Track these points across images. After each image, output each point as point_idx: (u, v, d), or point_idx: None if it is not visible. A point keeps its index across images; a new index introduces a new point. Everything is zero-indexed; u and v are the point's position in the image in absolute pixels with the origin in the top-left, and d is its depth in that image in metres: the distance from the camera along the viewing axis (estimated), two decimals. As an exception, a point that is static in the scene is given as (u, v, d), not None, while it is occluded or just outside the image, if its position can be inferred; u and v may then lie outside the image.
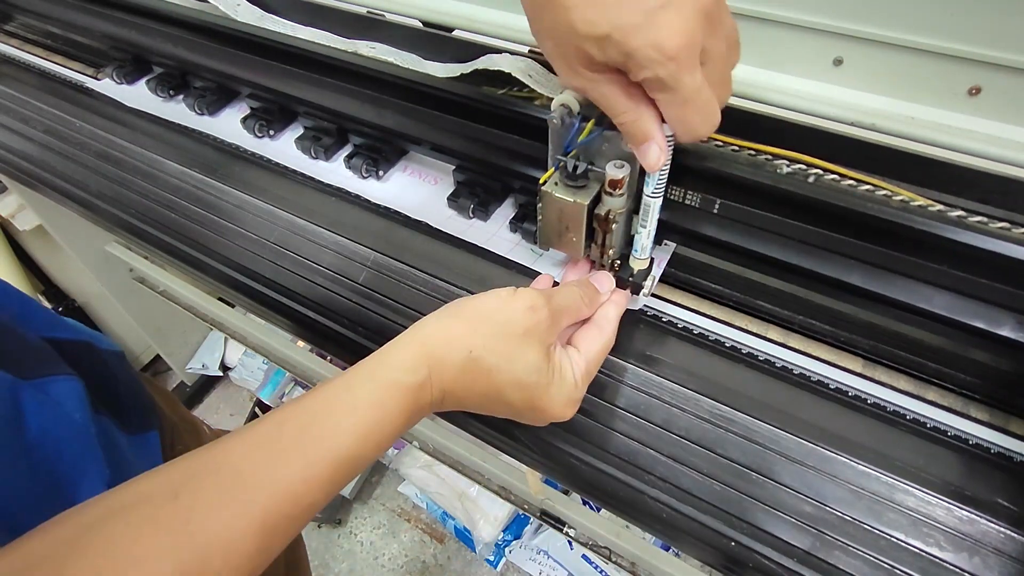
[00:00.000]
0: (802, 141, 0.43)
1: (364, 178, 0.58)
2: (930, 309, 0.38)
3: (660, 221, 0.43)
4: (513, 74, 0.50)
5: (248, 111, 0.65)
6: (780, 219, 0.41)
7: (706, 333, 0.44)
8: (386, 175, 0.59)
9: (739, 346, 0.43)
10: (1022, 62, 0.39)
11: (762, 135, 0.44)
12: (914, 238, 0.36)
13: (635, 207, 0.41)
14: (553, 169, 0.42)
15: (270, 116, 0.64)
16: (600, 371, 0.42)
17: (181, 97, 0.69)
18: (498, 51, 0.54)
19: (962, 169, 0.42)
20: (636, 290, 0.44)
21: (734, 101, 0.49)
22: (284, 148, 0.63)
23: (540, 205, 0.42)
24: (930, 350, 0.41)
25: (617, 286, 0.44)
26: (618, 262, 0.44)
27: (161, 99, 0.70)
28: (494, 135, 0.50)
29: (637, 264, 0.43)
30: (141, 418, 0.41)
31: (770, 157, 0.43)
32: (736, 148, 0.44)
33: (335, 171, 0.60)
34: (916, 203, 0.38)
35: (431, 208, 0.55)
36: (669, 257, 0.48)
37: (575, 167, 0.40)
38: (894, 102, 0.45)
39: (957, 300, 0.38)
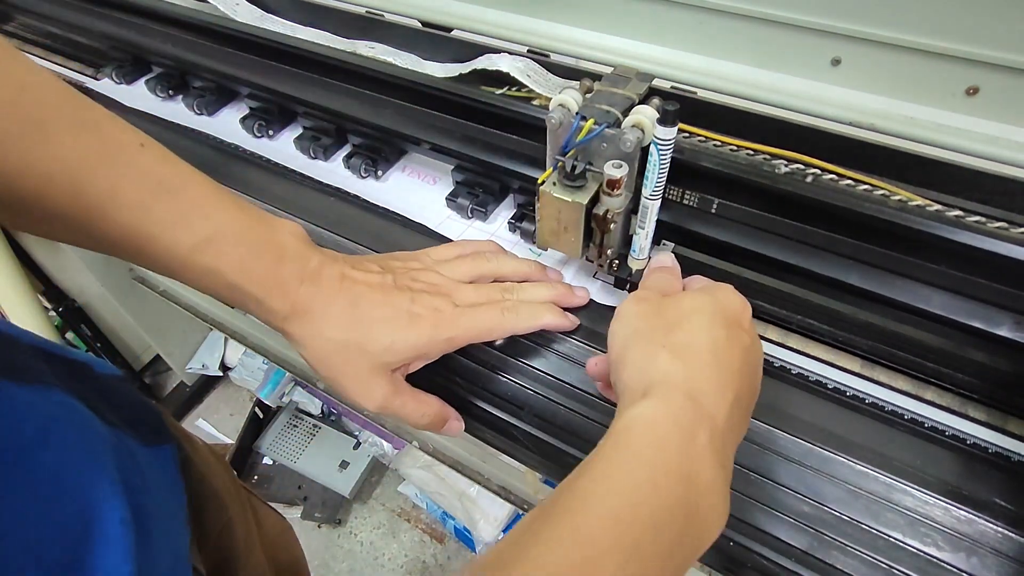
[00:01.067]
0: (800, 141, 0.43)
1: (363, 178, 0.59)
2: (928, 309, 0.38)
3: (658, 221, 0.43)
4: (512, 74, 0.51)
5: (247, 111, 0.65)
6: (778, 219, 0.41)
7: (704, 333, 0.44)
8: (385, 175, 0.59)
9: (737, 346, 0.43)
10: (1020, 62, 0.39)
11: (760, 135, 0.44)
12: (912, 238, 0.36)
13: (634, 207, 0.41)
14: (551, 169, 0.42)
15: (269, 116, 0.64)
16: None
17: (180, 97, 0.69)
18: (496, 51, 0.55)
19: (960, 169, 0.42)
20: (633, 290, 0.44)
21: (733, 101, 0.50)
22: (283, 148, 0.63)
23: (538, 205, 0.42)
24: (928, 350, 0.41)
25: (615, 286, 0.45)
26: (616, 262, 0.44)
27: (160, 99, 0.70)
28: (493, 135, 0.50)
29: (635, 264, 0.43)
30: (153, 432, 0.40)
31: (768, 157, 0.43)
32: (734, 148, 0.44)
33: (334, 171, 0.60)
34: (914, 203, 0.38)
35: (430, 208, 0.55)
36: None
37: (573, 167, 0.40)
38: (892, 102, 0.45)
39: (955, 300, 0.38)
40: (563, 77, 0.54)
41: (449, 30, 0.63)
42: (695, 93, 0.51)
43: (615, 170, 0.38)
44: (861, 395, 0.40)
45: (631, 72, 0.43)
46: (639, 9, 0.51)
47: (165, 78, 0.70)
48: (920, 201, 0.38)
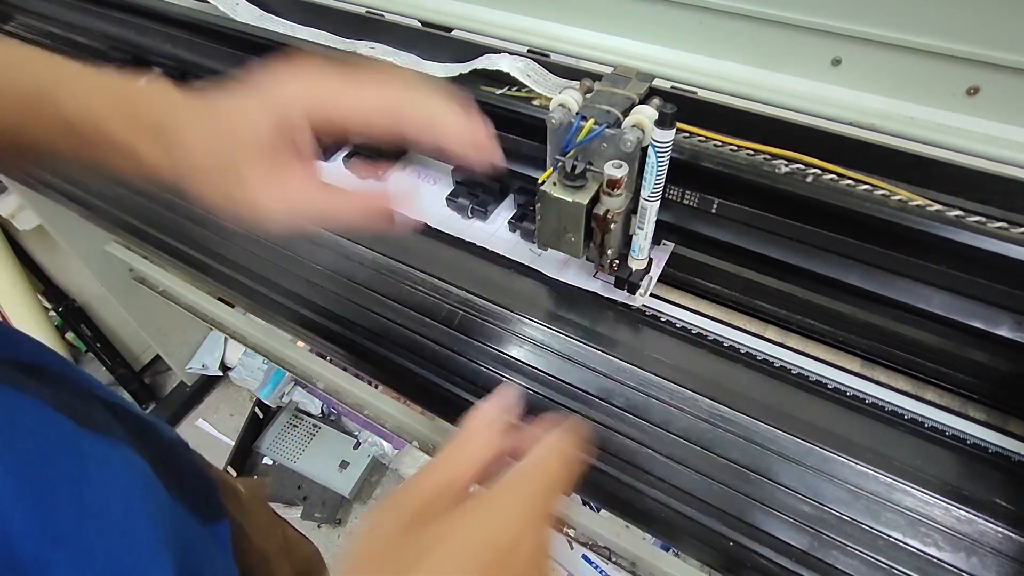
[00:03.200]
0: (800, 141, 0.43)
1: (363, 178, 0.59)
2: (928, 309, 0.38)
3: (659, 221, 0.43)
4: (512, 74, 0.51)
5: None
6: (778, 219, 0.41)
7: (704, 333, 0.44)
8: (385, 175, 0.59)
9: (737, 346, 0.43)
10: (1020, 62, 0.39)
11: (760, 135, 0.44)
12: (912, 238, 0.36)
13: (633, 207, 0.41)
14: (552, 169, 0.42)
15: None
16: (600, 372, 0.42)
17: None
18: (496, 51, 0.54)
19: (960, 169, 0.42)
20: (633, 289, 0.44)
21: (733, 101, 0.49)
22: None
23: (539, 205, 0.42)
24: (928, 350, 0.41)
25: (615, 286, 0.44)
26: (616, 262, 0.44)
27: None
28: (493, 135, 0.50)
29: (635, 264, 0.43)
30: (209, 507, 0.37)
31: (768, 157, 0.43)
32: (735, 148, 0.44)
33: (334, 171, 0.60)
34: (914, 203, 0.38)
35: (430, 207, 0.55)
36: (668, 257, 0.48)
37: (573, 167, 0.40)
38: (892, 102, 0.45)
39: (955, 300, 0.38)
40: (563, 77, 0.54)
41: (449, 30, 0.63)
42: (695, 93, 0.51)
43: (615, 170, 0.38)
44: (861, 395, 0.40)
45: (631, 72, 0.43)
46: (639, 9, 0.51)
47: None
48: (920, 201, 0.38)
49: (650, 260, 0.44)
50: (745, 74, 0.49)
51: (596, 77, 0.43)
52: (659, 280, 0.47)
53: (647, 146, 0.37)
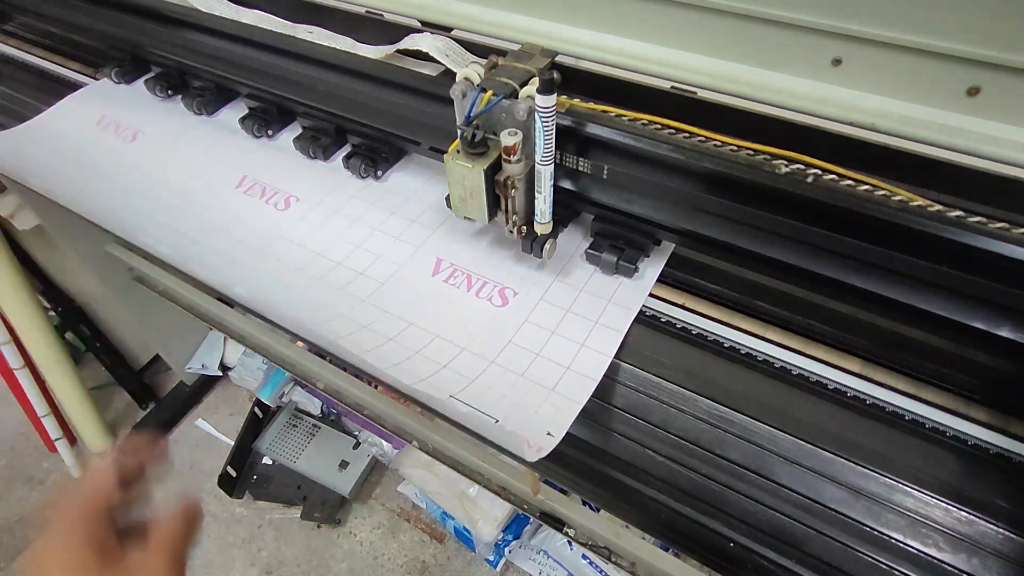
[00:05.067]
0: (800, 141, 0.43)
1: (363, 178, 0.58)
2: (929, 309, 0.38)
3: (659, 221, 0.43)
4: (431, 53, 0.54)
5: (246, 111, 0.65)
6: (778, 219, 0.41)
7: (704, 333, 0.44)
8: (385, 175, 0.59)
9: (738, 346, 0.43)
10: (1021, 62, 0.39)
11: (760, 135, 0.44)
12: (913, 238, 0.36)
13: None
14: (458, 139, 0.44)
15: (268, 116, 0.64)
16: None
17: (180, 97, 0.69)
18: (419, 31, 0.58)
19: (961, 169, 0.42)
20: (539, 253, 0.46)
21: (733, 100, 0.49)
22: (283, 147, 0.63)
23: (446, 173, 0.45)
24: (929, 351, 0.41)
25: (523, 250, 0.47)
26: (524, 227, 0.46)
27: (160, 99, 0.70)
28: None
29: (540, 228, 0.46)
30: None
31: (768, 157, 0.43)
32: (735, 148, 0.44)
33: (334, 171, 0.60)
34: (915, 203, 0.38)
35: (432, 207, 0.55)
36: (668, 257, 0.48)
37: (473, 135, 0.42)
38: (893, 102, 0.45)
39: (956, 300, 0.38)
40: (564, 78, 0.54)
41: (449, 30, 0.63)
42: (695, 93, 0.51)
43: (510, 137, 0.41)
44: (862, 396, 0.40)
45: (536, 48, 0.47)
46: (639, 9, 0.51)
47: (164, 78, 0.70)
48: (921, 201, 0.38)
49: (554, 224, 0.46)
50: (745, 74, 0.49)
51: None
52: (659, 280, 0.47)
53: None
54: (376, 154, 0.59)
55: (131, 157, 0.64)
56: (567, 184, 0.47)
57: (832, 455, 0.37)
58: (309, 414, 1.45)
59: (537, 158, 0.41)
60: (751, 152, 0.43)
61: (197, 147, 0.65)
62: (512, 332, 0.45)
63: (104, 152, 0.65)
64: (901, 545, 0.34)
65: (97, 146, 0.66)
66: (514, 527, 1.26)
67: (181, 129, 0.67)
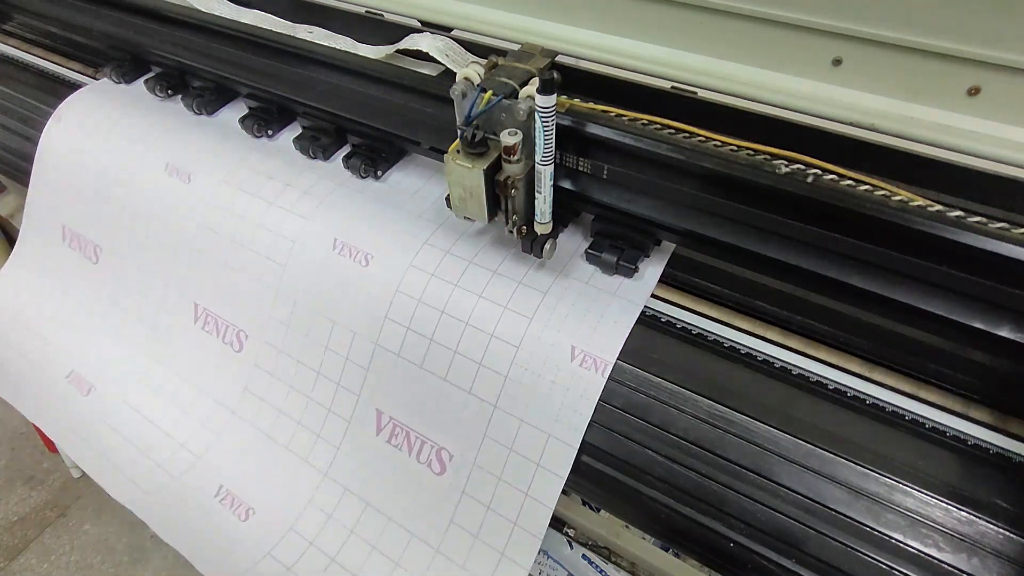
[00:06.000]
0: (800, 141, 0.43)
1: (363, 178, 0.58)
2: (929, 309, 0.38)
3: (656, 220, 0.43)
4: (431, 53, 0.54)
5: (246, 111, 0.65)
6: (778, 219, 0.41)
7: (705, 333, 0.44)
8: (384, 175, 0.59)
9: (738, 346, 0.43)
10: (1021, 62, 0.39)
11: (760, 135, 0.44)
12: (913, 238, 0.36)
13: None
14: (458, 139, 0.44)
15: (268, 116, 0.64)
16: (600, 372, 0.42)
17: (180, 97, 0.69)
18: (419, 31, 0.58)
19: (961, 169, 0.42)
20: (539, 253, 0.46)
21: (733, 100, 0.49)
22: (282, 147, 0.63)
23: (445, 173, 0.44)
24: (929, 350, 0.40)
25: (523, 250, 0.47)
26: (525, 227, 0.46)
27: (159, 99, 0.69)
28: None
29: (540, 228, 0.46)
30: None
31: (768, 157, 0.43)
32: (735, 148, 0.44)
33: (334, 171, 0.60)
34: (915, 203, 0.38)
35: (431, 208, 0.55)
36: (668, 257, 0.48)
37: (473, 135, 0.42)
38: (893, 102, 0.45)
39: (956, 300, 0.38)
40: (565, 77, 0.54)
41: (449, 30, 0.63)
42: (695, 93, 0.51)
43: (510, 137, 0.41)
44: (862, 396, 0.40)
45: (536, 48, 0.46)
46: (639, 9, 0.51)
47: (164, 78, 0.70)
48: (921, 201, 0.38)
49: (554, 224, 0.46)
50: (745, 74, 0.49)
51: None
52: (660, 280, 0.47)
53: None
54: (376, 154, 0.59)
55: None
56: (567, 184, 0.47)
57: (832, 455, 0.37)
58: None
59: (537, 158, 0.41)
60: (751, 152, 0.43)
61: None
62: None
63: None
64: (901, 545, 0.34)
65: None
66: (514, 527, 1.25)
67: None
